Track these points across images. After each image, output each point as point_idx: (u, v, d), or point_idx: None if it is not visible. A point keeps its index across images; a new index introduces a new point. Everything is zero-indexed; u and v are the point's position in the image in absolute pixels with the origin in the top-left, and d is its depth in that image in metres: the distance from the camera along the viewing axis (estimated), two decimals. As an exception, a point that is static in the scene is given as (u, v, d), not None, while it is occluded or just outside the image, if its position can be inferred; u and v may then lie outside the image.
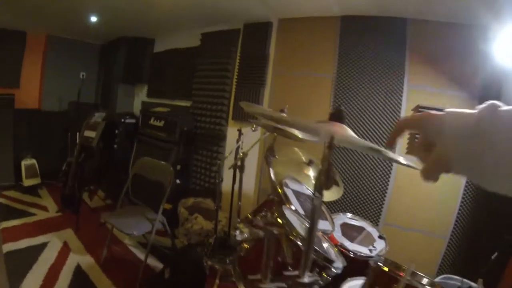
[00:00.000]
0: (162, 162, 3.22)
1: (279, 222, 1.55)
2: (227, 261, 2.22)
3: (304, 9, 3.17)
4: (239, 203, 2.60)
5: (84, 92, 5.32)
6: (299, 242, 1.43)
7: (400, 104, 2.97)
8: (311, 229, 1.04)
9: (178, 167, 2.99)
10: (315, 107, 3.28)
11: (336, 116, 1.21)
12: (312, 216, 1.02)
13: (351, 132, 1.06)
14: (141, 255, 3.26)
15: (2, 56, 5.15)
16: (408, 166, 0.77)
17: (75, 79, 5.32)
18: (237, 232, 1.82)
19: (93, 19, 4.13)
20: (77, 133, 5.03)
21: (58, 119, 5.66)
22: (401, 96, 2.96)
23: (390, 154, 0.87)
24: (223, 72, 3.76)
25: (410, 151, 2.75)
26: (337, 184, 2.13)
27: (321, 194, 0.96)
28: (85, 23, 4.32)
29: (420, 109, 2.81)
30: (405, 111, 2.97)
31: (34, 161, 5.04)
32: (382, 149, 0.85)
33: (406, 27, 2.92)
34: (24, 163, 4.97)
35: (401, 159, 0.85)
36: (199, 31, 4.07)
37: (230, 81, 3.71)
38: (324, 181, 0.92)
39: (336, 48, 3.17)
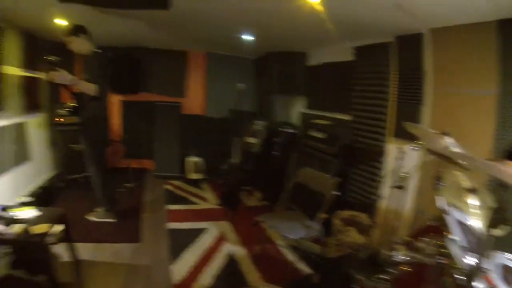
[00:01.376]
0: (325, 174, 3.35)
1: (443, 252, 1.53)
2: (377, 278, 2.22)
3: (452, 15, 2.80)
4: (396, 222, 2.60)
5: (244, 102, 5.79)
6: (461, 277, 1.38)
7: None
8: (477, 268, 1.01)
9: (336, 179, 3.11)
10: (474, 130, 2.81)
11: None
12: (481, 254, 1.00)
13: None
14: (290, 256, 3.49)
15: (169, 71, 6.41)
16: None
17: (234, 90, 5.88)
18: (395, 252, 1.85)
19: (247, 37, 4.55)
20: (237, 138, 5.69)
21: (220, 124, 6.47)
22: None
23: None
24: (380, 87, 3.69)
25: None
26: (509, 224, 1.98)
27: (492, 233, 0.94)
28: (239, 41, 4.78)
29: None
30: None
31: (198, 159, 5.97)
32: None
33: None
34: (189, 159, 5.94)
35: None
36: (351, 45, 4.10)
37: (387, 96, 3.64)
38: (498, 221, 0.91)
39: (495, 58, 2.64)
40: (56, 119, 5.10)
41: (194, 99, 6.65)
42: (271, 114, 5.79)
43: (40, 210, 2.87)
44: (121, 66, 5.72)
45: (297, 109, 5.63)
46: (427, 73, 3.20)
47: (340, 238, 3.22)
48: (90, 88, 3.44)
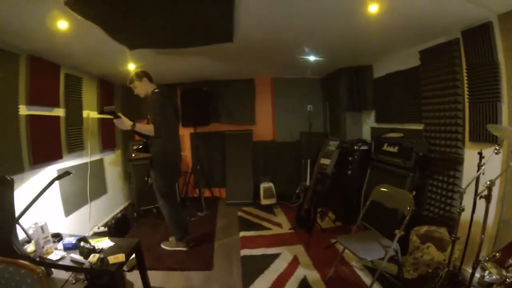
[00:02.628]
0: (402, 190, 3.20)
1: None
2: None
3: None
4: (482, 236, 2.32)
5: (313, 123, 5.86)
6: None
7: None
8: None
9: (413, 193, 2.92)
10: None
11: None
12: None
13: None
14: (365, 278, 3.32)
15: (240, 101, 6.63)
16: None
17: (303, 112, 5.95)
18: (484, 271, 1.68)
19: (311, 57, 4.57)
20: (309, 160, 5.75)
21: (290, 148, 6.54)
22: None
23: None
24: (452, 89, 3.43)
25: None
26: None
27: None
28: (303, 62, 4.85)
29: None
30: None
31: (271, 184, 6.00)
32: None
33: None
34: (263, 185, 5.98)
35: None
36: (416, 49, 3.89)
37: (461, 98, 3.35)
38: None
39: None
40: (132, 155, 5.62)
41: (264, 125, 6.78)
42: (342, 132, 5.72)
43: (114, 241, 3.10)
44: (191, 99, 6.07)
45: (369, 124, 5.48)
46: (501, 66, 2.92)
47: (418, 256, 2.98)
48: (148, 129, 3.73)
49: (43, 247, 2.84)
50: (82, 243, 2.84)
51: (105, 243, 3.03)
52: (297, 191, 6.01)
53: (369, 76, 5.29)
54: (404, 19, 3.02)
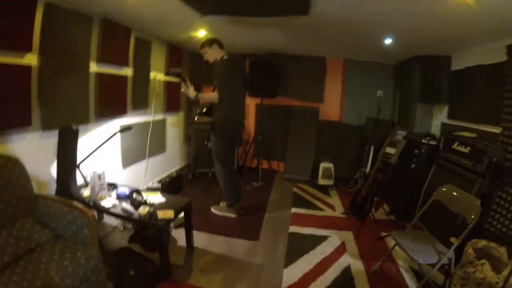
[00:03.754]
0: (470, 195, 2.93)
1: None
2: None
3: None
4: None
5: (382, 109, 5.58)
6: None
7: None
8: None
9: (478, 201, 2.65)
10: None
11: None
12: None
13: None
14: (409, 280, 3.15)
15: (309, 78, 6.55)
16: None
17: (372, 97, 5.67)
18: None
19: (387, 41, 4.34)
20: (373, 147, 5.57)
21: (356, 132, 6.38)
22: None
23: None
24: None
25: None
26: None
27: None
28: (379, 47, 4.65)
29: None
30: None
31: (331, 165, 5.89)
32: None
33: None
34: (323, 165, 5.90)
35: None
36: (504, 43, 3.49)
37: None
38: None
39: None
40: (194, 119, 5.79)
41: (331, 105, 6.65)
42: (411, 123, 5.43)
43: (166, 197, 3.27)
44: (260, 71, 6.06)
45: (439, 119, 5.12)
46: None
47: (470, 271, 2.74)
48: (212, 98, 3.83)
49: (98, 193, 3.06)
50: (134, 195, 3.02)
51: (157, 198, 3.21)
52: (356, 176, 5.83)
53: (446, 68, 4.91)
54: (493, 9, 2.71)
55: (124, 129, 3.67)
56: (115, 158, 4.38)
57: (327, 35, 4.40)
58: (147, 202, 3.05)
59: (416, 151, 4.46)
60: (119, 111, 4.30)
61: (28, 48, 2.84)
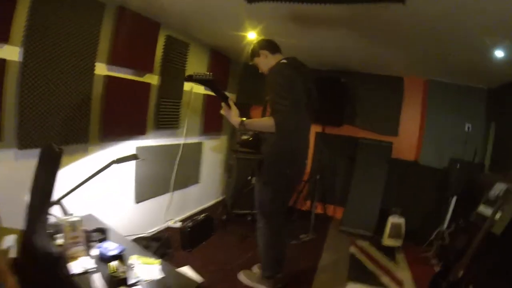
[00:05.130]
0: None
1: None
2: None
3: None
4: None
5: (468, 148, 4.56)
6: None
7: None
8: None
9: None
10: None
11: None
12: None
13: None
14: None
15: (383, 103, 5.47)
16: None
17: (459, 131, 4.67)
18: None
19: (499, 54, 3.17)
20: (455, 197, 4.37)
21: (435, 177, 5.10)
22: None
23: None
24: None
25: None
26: None
27: None
28: (479, 63, 3.57)
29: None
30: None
31: (402, 220, 4.59)
32: None
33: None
34: (392, 220, 4.61)
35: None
36: None
37: None
38: None
39: None
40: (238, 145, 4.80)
41: (407, 139, 5.44)
42: None
43: (166, 272, 2.18)
44: (324, 91, 5.02)
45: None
46: None
47: None
48: (265, 125, 2.67)
49: (68, 250, 2.13)
50: (115, 264, 2.02)
51: (151, 271, 2.14)
52: (432, 237, 4.49)
53: None
54: None
55: (124, 158, 2.70)
56: (126, 189, 3.55)
57: (418, 40, 3.34)
58: (131, 279, 2.02)
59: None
60: (136, 130, 3.49)
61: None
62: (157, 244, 3.44)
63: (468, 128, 4.41)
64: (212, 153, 5.15)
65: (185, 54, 4.05)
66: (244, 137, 3.50)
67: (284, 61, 2.82)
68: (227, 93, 2.78)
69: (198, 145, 4.71)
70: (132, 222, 3.64)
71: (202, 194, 5.10)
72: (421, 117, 5.41)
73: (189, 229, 3.69)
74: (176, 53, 3.89)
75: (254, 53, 2.96)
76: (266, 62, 2.91)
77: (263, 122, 2.74)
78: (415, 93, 5.39)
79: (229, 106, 2.69)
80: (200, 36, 4.20)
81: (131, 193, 3.61)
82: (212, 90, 2.66)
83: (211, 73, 2.52)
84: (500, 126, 4.76)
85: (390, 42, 3.53)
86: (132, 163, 3.39)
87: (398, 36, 3.27)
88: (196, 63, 4.37)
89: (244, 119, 2.64)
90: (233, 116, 2.65)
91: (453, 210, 4.41)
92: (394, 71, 5.15)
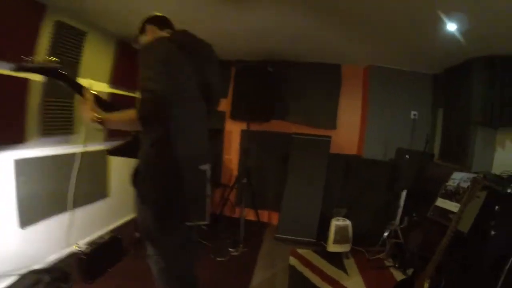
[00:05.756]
0: None
1: None
2: None
3: None
4: None
5: (416, 137, 4.40)
6: None
7: None
8: None
9: None
10: None
11: None
12: None
13: None
14: None
15: (318, 94, 5.19)
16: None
17: (403, 119, 4.54)
18: None
19: (451, 27, 2.94)
20: (405, 191, 4.16)
21: (381, 170, 4.78)
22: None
23: None
24: None
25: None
26: None
27: None
28: (427, 43, 3.42)
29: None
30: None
31: (348, 222, 4.21)
32: None
33: None
34: (336, 222, 4.21)
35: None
36: None
37: None
38: None
39: None
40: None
41: (348, 132, 5.23)
42: (467, 156, 3.94)
43: None
44: (248, 82, 4.67)
45: (507, 150, 3.79)
46: None
47: None
48: (125, 119, 1.86)
49: None
50: None
51: None
52: (384, 236, 4.15)
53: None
54: None
55: None
56: (4, 213, 2.87)
57: (357, 14, 3.00)
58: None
59: (497, 207, 2.89)
60: (8, 137, 2.80)
61: None
62: (48, 278, 2.83)
63: (414, 115, 4.38)
64: (124, 162, 4.48)
65: (80, 45, 3.44)
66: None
67: (166, 35, 2.07)
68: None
69: (103, 153, 4.05)
70: (18, 253, 2.95)
71: (114, 209, 4.47)
72: (363, 106, 5.16)
73: (85, 256, 3.01)
74: (67, 43, 3.28)
75: (140, 30, 2.22)
76: (146, 37, 2.19)
77: (123, 116, 1.86)
78: (355, 81, 5.18)
79: (83, 95, 1.93)
80: (103, 23, 3.61)
81: (12, 217, 2.92)
82: (60, 80, 1.98)
83: (56, 59, 1.90)
84: (448, 113, 4.62)
85: (325, 17, 3.15)
86: (10, 177, 2.74)
87: (336, 10, 2.92)
88: (97, 56, 3.76)
89: (101, 115, 1.84)
90: (86, 110, 1.86)
91: (404, 205, 4.20)
92: (329, 57, 4.81)
